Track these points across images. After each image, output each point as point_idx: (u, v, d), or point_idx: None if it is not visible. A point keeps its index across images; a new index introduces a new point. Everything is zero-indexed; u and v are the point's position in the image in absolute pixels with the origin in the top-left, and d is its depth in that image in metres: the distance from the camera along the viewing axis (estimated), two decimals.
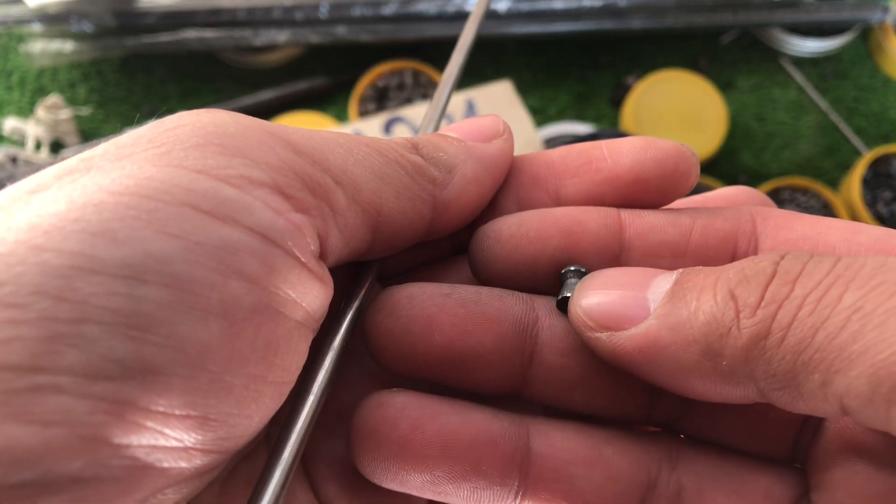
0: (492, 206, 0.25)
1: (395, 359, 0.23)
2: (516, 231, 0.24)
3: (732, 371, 0.19)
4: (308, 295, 0.20)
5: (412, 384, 0.23)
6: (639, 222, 0.24)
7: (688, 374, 0.20)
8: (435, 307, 0.23)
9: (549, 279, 0.24)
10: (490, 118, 0.25)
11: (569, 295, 0.23)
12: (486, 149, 0.24)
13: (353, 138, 0.22)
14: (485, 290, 0.23)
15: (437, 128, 0.27)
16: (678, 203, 0.26)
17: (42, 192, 0.18)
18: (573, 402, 0.24)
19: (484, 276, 0.24)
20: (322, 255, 0.21)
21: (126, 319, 0.16)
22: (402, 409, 0.22)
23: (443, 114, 0.26)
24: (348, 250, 0.21)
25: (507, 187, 0.25)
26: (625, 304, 0.21)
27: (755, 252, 0.23)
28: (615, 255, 0.23)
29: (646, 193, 0.24)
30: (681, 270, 0.21)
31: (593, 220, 0.24)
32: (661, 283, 0.21)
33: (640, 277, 0.21)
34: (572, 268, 0.23)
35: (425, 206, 0.23)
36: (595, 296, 0.21)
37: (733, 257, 0.23)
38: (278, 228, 0.19)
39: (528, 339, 0.23)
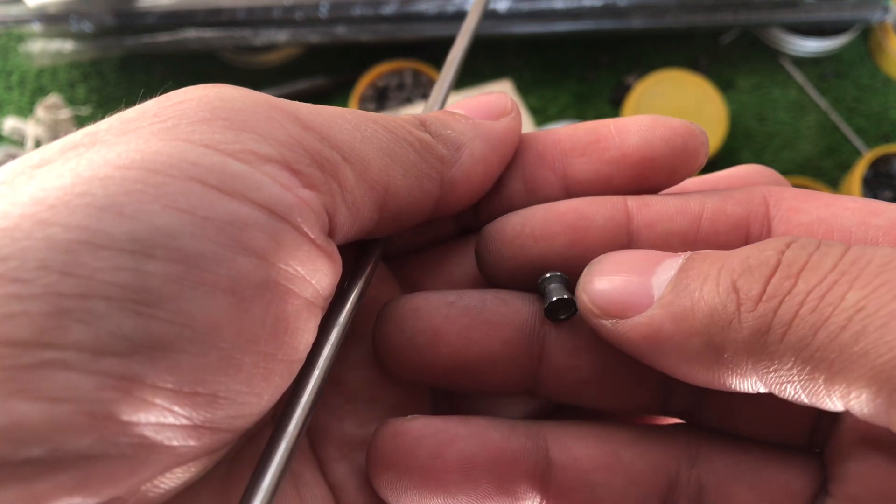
0: (498, 185, 0.25)
1: (402, 370, 0.23)
2: (521, 230, 0.23)
3: (735, 363, 0.19)
4: (317, 272, 0.20)
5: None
6: (646, 212, 0.23)
7: (691, 363, 0.19)
8: (440, 318, 0.23)
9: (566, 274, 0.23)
10: (498, 95, 0.25)
11: (555, 298, 0.22)
12: (494, 126, 0.24)
13: (360, 114, 0.22)
14: (490, 295, 0.23)
15: (443, 106, 0.26)
16: (691, 183, 0.26)
17: (46, 167, 0.18)
18: (586, 398, 0.23)
19: (492, 278, 0.24)
20: (330, 233, 0.20)
21: (133, 295, 0.16)
22: (419, 437, 0.22)
23: (449, 92, 0.26)
24: (356, 228, 0.21)
25: (513, 166, 0.25)
26: (629, 290, 0.20)
27: (768, 237, 0.22)
28: (623, 247, 0.23)
29: (654, 172, 0.24)
30: (687, 254, 0.20)
31: (599, 212, 0.23)
32: (667, 269, 0.20)
33: (645, 262, 0.21)
34: (548, 275, 0.23)
35: (433, 184, 0.22)
36: (600, 282, 0.21)
37: (745, 243, 0.22)
38: (286, 204, 0.19)
39: (535, 341, 0.23)
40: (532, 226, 0.23)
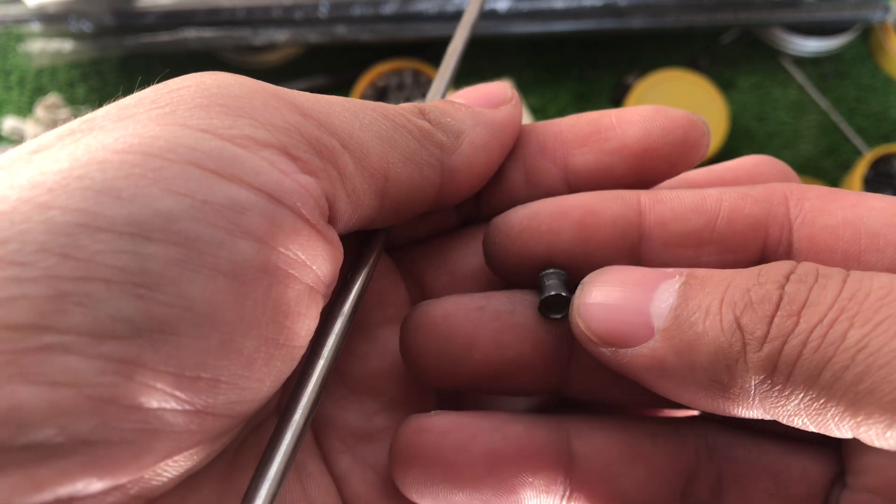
0: (499, 176, 0.25)
1: (435, 376, 0.23)
2: (528, 224, 0.23)
3: (741, 397, 0.19)
4: (318, 257, 0.19)
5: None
6: (660, 209, 0.22)
7: (695, 394, 0.19)
8: (471, 323, 0.23)
9: (566, 272, 0.23)
10: (498, 84, 0.25)
11: (548, 294, 0.22)
12: (495, 115, 0.24)
13: (359, 102, 0.22)
14: (518, 298, 0.23)
15: (443, 97, 0.26)
16: (697, 174, 0.26)
17: (44, 152, 0.17)
18: (614, 397, 0.23)
19: (498, 271, 0.24)
20: (331, 220, 0.20)
21: (133, 277, 0.16)
22: (444, 433, 0.22)
23: (449, 85, 0.26)
24: (357, 217, 0.21)
25: (514, 156, 0.25)
26: (628, 320, 0.20)
27: (788, 243, 0.22)
28: (633, 245, 0.23)
29: (655, 163, 0.24)
30: (683, 277, 0.20)
31: (609, 209, 0.22)
32: (664, 295, 0.20)
33: (640, 288, 0.20)
34: (550, 270, 0.23)
35: (433, 171, 0.22)
36: (595, 310, 0.21)
37: (763, 246, 0.22)
38: (285, 189, 0.18)
39: (565, 343, 0.23)
40: (539, 221, 0.23)
